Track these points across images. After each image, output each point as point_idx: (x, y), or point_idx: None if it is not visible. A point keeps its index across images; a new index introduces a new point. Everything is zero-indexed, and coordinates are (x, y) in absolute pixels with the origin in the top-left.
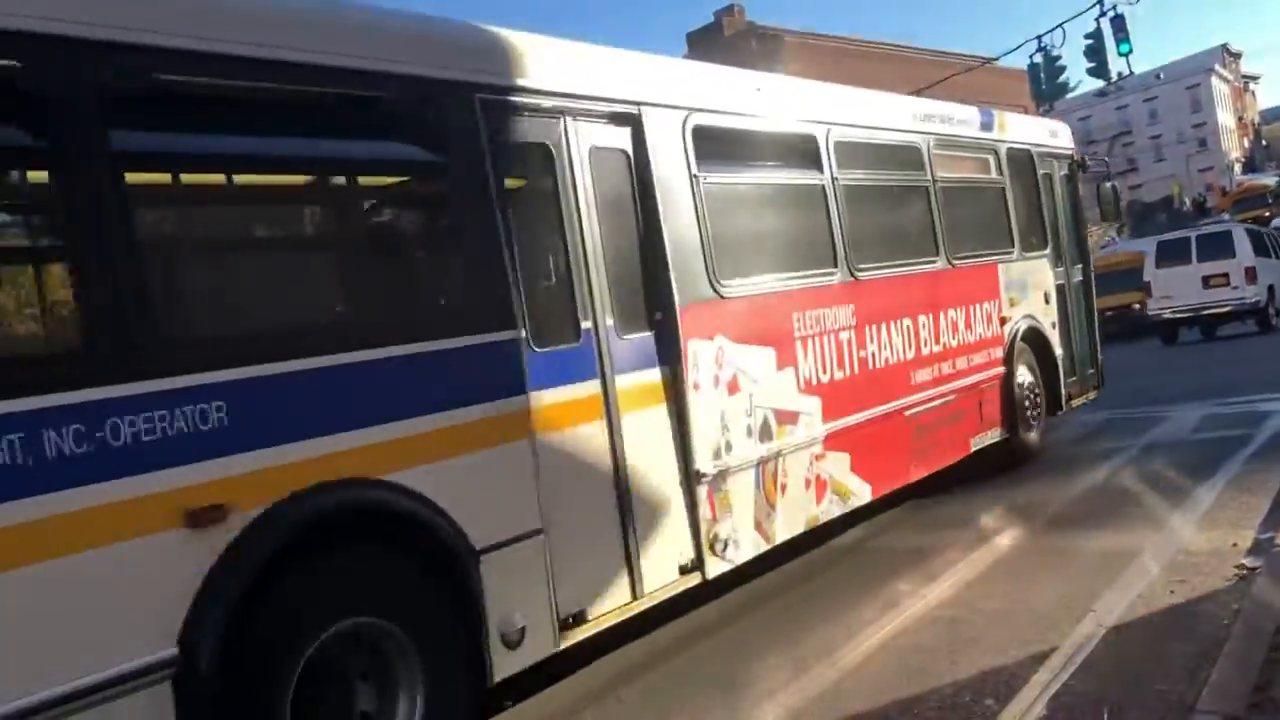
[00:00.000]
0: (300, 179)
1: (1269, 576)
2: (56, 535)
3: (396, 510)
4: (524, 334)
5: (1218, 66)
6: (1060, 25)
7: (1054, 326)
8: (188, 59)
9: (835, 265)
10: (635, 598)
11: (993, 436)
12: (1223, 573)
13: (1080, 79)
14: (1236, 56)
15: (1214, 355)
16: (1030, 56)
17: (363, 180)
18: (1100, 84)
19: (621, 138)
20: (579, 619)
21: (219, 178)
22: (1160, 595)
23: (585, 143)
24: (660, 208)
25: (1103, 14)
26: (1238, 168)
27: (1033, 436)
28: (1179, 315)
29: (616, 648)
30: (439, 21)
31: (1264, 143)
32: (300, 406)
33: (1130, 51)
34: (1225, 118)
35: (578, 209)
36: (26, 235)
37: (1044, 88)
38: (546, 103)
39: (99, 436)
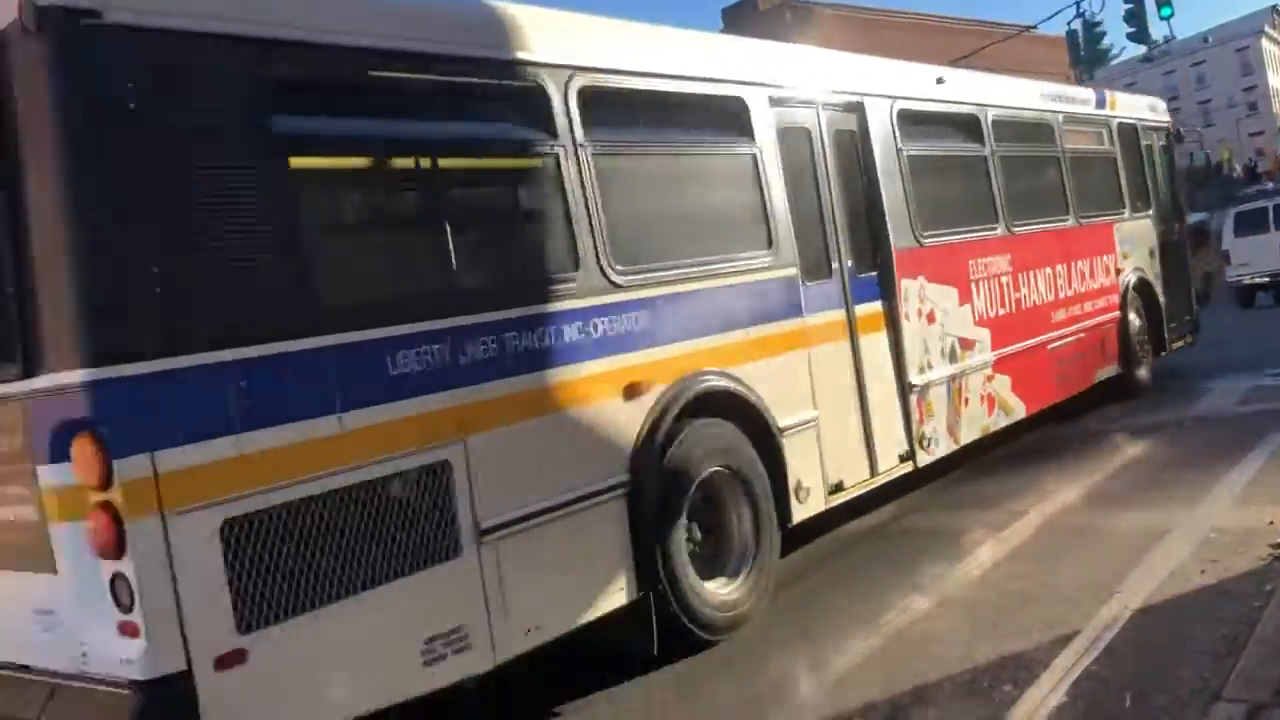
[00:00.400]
0: (691, 164)
1: None
2: (568, 393)
3: (738, 394)
4: (798, 271)
5: (1268, 28)
6: None
7: (1157, 278)
8: (643, 78)
9: (997, 221)
10: (872, 475)
11: (1111, 371)
12: (1256, 552)
13: (1125, 45)
14: None
15: None
16: (1068, 23)
17: (719, 162)
18: (1144, 50)
19: (851, 122)
20: (839, 487)
21: (652, 165)
22: (1190, 575)
23: (829, 126)
24: (878, 175)
25: None
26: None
27: (1142, 373)
28: (1257, 280)
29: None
30: (742, 41)
31: None
32: (685, 318)
33: (1171, 14)
34: (1276, 81)
35: (826, 176)
36: (546, 207)
37: (1083, 55)
38: (805, 95)
39: (587, 331)
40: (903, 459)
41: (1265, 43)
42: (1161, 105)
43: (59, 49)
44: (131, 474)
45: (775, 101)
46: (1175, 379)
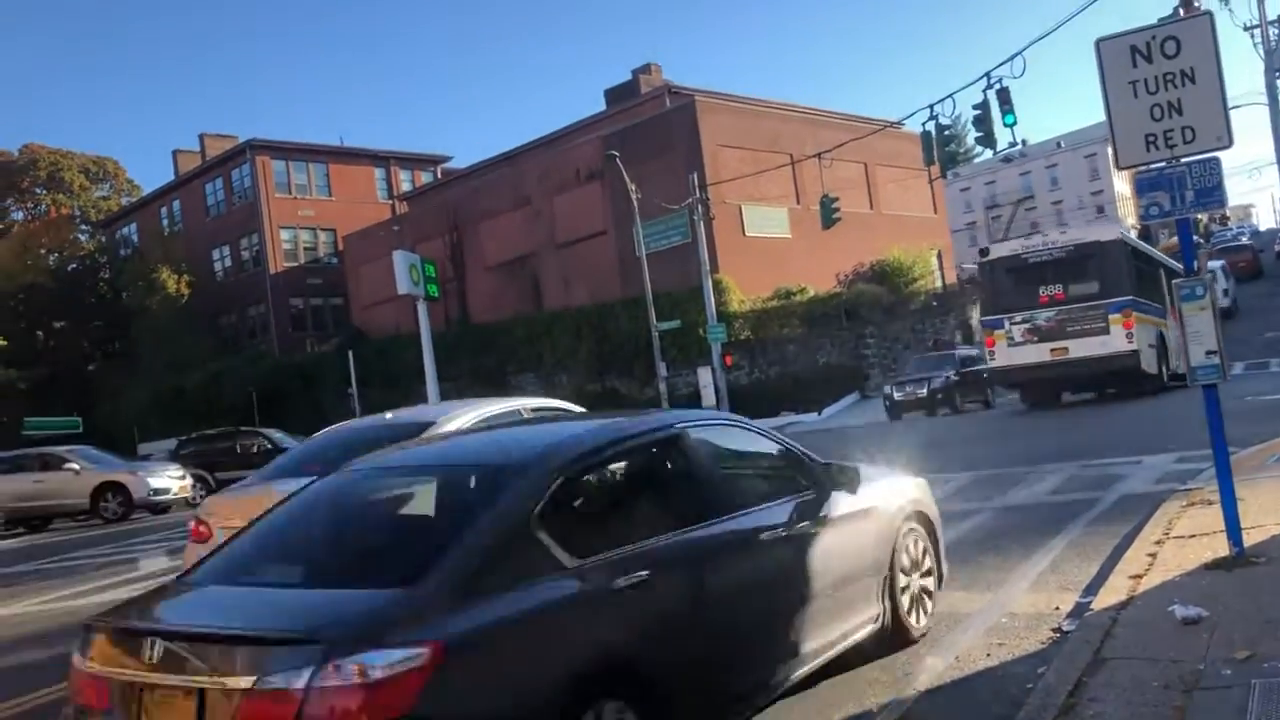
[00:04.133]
0: None
1: (1078, 640)
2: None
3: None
4: None
5: None
6: (950, 95)
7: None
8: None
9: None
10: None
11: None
12: (1039, 636)
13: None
14: None
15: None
16: (923, 124)
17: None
18: (1005, 151)
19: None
20: None
21: None
22: (978, 658)
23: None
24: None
25: (989, 86)
26: (1133, 233)
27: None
28: None
29: None
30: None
31: None
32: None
33: (1014, 123)
34: (1121, 185)
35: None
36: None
37: (934, 155)
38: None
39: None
40: None
41: (1110, 149)
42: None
43: (1118, 243)
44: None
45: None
46: (996, 468)
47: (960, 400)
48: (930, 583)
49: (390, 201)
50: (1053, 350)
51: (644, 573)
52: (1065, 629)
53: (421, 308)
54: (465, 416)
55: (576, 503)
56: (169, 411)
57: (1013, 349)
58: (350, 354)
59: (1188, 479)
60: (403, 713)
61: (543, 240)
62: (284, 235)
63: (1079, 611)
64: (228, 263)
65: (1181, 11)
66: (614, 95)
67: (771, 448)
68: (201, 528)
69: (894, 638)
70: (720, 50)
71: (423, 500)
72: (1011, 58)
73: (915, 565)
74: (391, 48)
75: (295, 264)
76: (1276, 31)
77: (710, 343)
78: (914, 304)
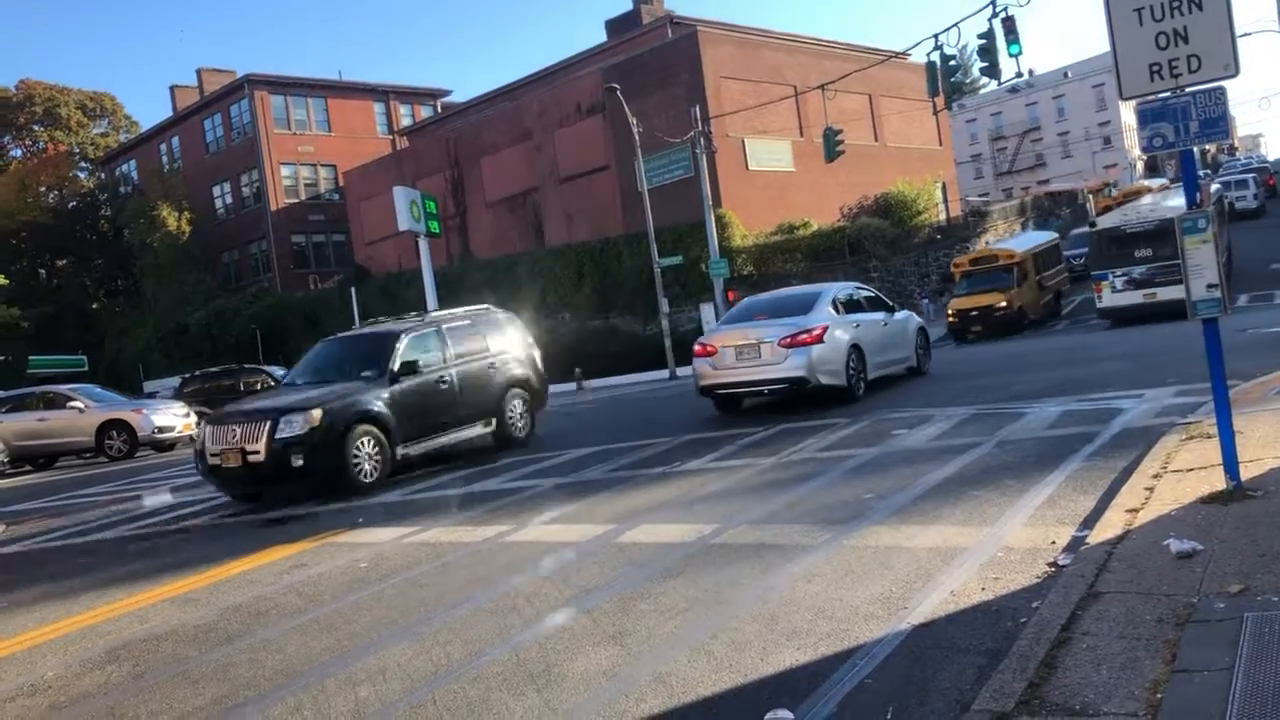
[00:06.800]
0: None
1: (1073, 575)
2: None
3: None
4: None
5: None
6: (956, 25)
7: None
8: None
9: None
10: None
11: None
12: (1035, 570)
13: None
14: None
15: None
16: (928, 55)
17: None
18: (1012, 81)
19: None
20: None
21: None
22: (972, 592)
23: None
24: None
25: (995, 15)
26: (1139, 165)
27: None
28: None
29: None
30: None
31: None
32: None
33: (1020, 52)
34: (1128, 116)
35: None
36: None
37: (939, 86)
38: None
39: None
40: None
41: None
42: None
43: None
44: None
45: None
46: (994, 404)
47: None
48: None
49: (390, 136)
50: (1144, 295)
51: None
52: (1061, 563)
53: (423, 244)
54: (832, 290)
55: None
56: (173, 349)
57: (1115, 295)
58: (353, 291)
59: (1188, 412)
60: None
61: (544, 175)
62: (284, 171)
63: (1075, 546)
64: (228, 199)
65: None
66: (615, 26)
67: None
68: (709, 348)
69: None
70: None
71: None
72: None
73: None
74: None
75: (296, 200)
76: None
77: (713, 278)
78: (918, 237)
